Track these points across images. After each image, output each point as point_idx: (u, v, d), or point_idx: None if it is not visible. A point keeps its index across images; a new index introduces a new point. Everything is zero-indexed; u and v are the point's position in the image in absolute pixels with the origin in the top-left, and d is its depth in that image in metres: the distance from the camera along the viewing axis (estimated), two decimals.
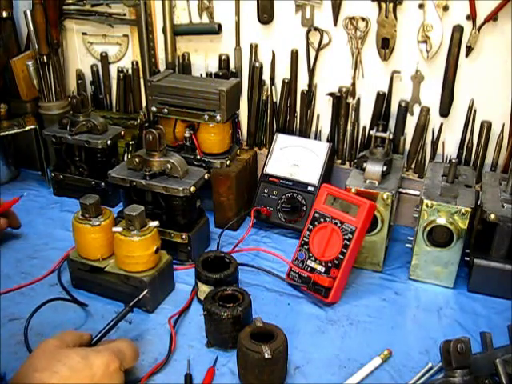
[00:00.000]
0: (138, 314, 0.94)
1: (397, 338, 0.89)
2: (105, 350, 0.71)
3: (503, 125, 1.08)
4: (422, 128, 1.13)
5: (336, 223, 0.96)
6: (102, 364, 0.67)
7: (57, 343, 0.70)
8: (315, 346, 0.87)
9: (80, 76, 1.43)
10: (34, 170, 1.37)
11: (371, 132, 1.08)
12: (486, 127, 1.08)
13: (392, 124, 1.16)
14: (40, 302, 0.91)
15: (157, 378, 0.81)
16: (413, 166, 1.17)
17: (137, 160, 1.03)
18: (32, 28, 1.30)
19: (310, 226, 0.99)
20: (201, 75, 1.29)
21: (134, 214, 0.90)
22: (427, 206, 0.96)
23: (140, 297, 0.85)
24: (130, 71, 1.37)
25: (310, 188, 1.15)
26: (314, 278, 0.96)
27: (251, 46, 1.22)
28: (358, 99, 1.17)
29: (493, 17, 1.00)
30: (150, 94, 1.15)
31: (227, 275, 0.93)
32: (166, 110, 1.14)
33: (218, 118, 1.11)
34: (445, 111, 1.10)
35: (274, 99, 1.24)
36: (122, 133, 1.27)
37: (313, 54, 1.17)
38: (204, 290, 0.93)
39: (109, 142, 1.21)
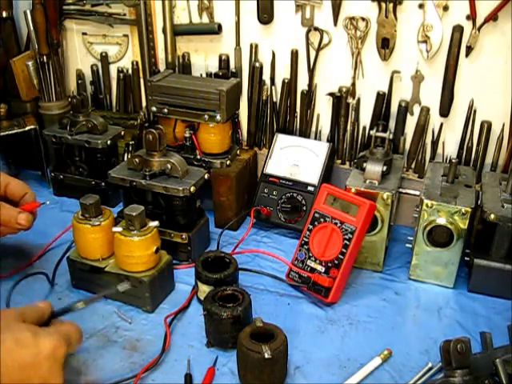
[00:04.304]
0: (138, 313, 0.94)
1: (397, 338, 0.89)
2: (55, 333, 0.69)
3: (503, 125, 1.08)
4: (422, 128, 1.13)
5: (336, 223, 0.96)
6: (50, 346, 0.66)
7: (14, 315, 0.69)
8: (315, 346, 0.88)
9: (80, 76, 1.43)
10: (34, 170, 1.36)
11: (371, 132, 1.08)
12: (486, 127, 1.08)
13: (392, 124, 1.16)
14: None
15: (157, 377, 0.81)
16: (413, 166, 1.17)
17: (137, 160, 1.03)
18: (32, 28, 1.30)
19: (310, 226, 0.99)
20: (201, 75, 1.29)
21: (134, 214, 0.90)
22: (427, 206, 0.96)
23: (123, 289, 0.85)
24: (130, 71, 1.37)
25: (310, 188, 1.15)
26: (314, 278, 0.96)
27: (251, 45, 1.22)
28: (358, 99, 1.17)
29: (493, 17, 1.00)
30: (150, 94, 1.15)
31: (227, 275, 0.93)
32: (166, 110, 1.15)
33: (218, 117, 1.11)
34: (445, 111, 1.10)
35: (274, 99, 1.24)
36: (122, 133, 1.27)
37: (313, 54, 1.17)
38: (204, 289, 0.93)
39: (109, 142, 1.21)
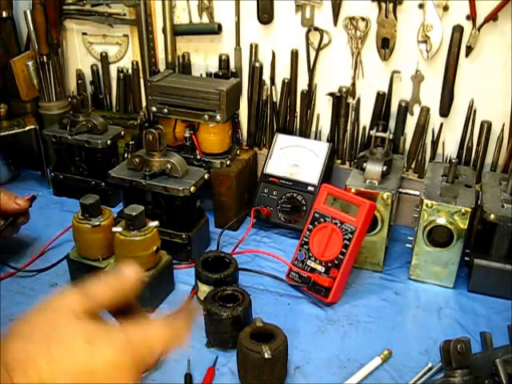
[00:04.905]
0: None
1: (397, 338, 0.89)
2: (118, 338, 0.45)
3: (503, 125, 1.07)
4: (422, 128, 1.13)
5: (336, 223, 0.96)
6: (111, 359, 0.44)
7: (76, 306, 0.46)
8: (315, 346, 0.88)
9: (80, 76, 1.43)
10: (34, 170, 1.36)
11: (371, 132, 1.08)
12: (486, 127, 1.08)
13: (392, 124, 1.16)
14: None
15: (157, 377, 0.81)
16: (413, 166, 1.17)
17: (137, 160, 1.03)
18: (32, 28, 1.30)
19: (310, 226, 0.99)
20: (201, 75, 1.29)
21: (134, 213, 0.90)
22: (427, 206, 0.96)
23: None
24: (130, 71, 1.37)
25: (310, 188, 1.15)
26: (314, 278, 0.96)
27: (251, 46, 1.22)
28: (358, 99, 1.17)
29: (493, 17, 1.00)
30: (150, 94, 1.15)
31: (227, 275, 0.93)
32: (166, 110, 1.14)
33: (218, 117, 1.11)
34: (445, 111, 1.10)
35: (274, 99, 1.24)
36: (122, 133, 1.27)
37: (313, 54, 1.17)
38: (204, 289, 0.93)
39: (109, 142, 1.21)
